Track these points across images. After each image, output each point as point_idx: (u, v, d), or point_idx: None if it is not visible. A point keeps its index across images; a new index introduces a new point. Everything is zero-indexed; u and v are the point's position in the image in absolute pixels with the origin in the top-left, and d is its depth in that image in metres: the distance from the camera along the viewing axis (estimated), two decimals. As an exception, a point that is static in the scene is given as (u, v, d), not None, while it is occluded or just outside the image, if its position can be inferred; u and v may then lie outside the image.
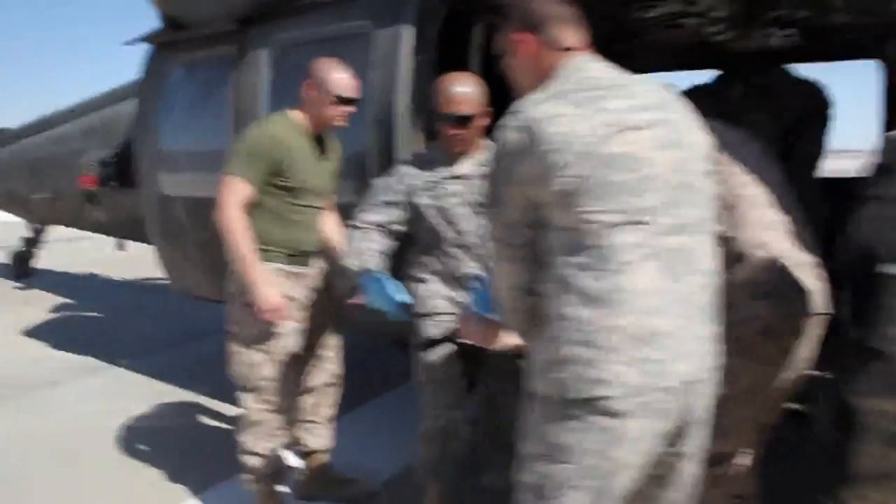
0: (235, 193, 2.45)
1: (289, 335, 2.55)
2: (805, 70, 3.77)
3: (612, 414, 1.32)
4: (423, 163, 2.39)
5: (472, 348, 2.28)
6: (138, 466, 3.16)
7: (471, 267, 2.35)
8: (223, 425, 3.58)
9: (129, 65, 6.01)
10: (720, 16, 3.41)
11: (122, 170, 4.97)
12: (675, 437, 1.41)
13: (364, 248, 2.34)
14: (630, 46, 3.98)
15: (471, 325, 2.18)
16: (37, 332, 5.68)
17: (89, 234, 6.21)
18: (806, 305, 1.77)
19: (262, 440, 2.57)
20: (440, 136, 2.34)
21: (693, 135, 1.46)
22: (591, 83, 1.43)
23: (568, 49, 1.52)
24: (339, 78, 2.48)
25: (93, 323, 6.12)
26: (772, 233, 1.81)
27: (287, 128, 2.53)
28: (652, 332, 1.32)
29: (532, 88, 1.48)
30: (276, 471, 2.65)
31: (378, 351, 4.53)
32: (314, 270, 2.70)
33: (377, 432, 3.43)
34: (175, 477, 3.03)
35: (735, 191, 1.82)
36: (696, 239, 1.41)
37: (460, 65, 3.15)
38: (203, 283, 3.95)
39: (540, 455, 1.43)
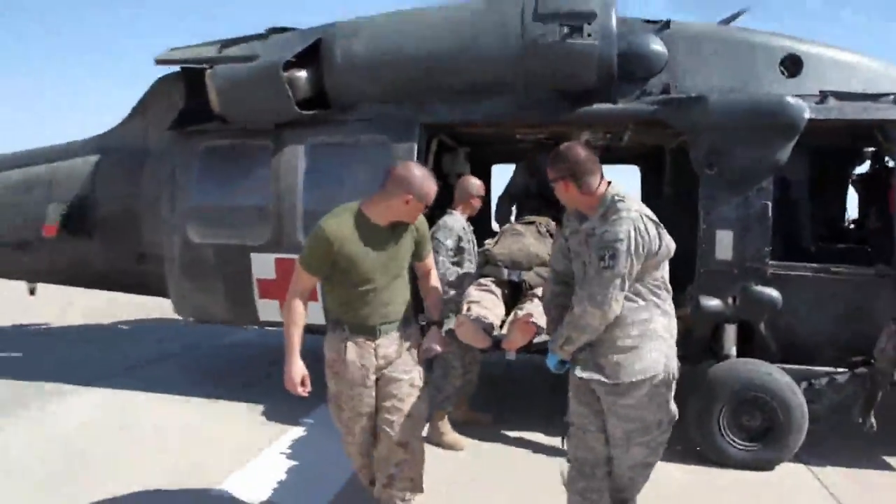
0: (299, 283, 2.89)
1: (360, 396, 2.93)
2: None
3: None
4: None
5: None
6: (149, 455, 4.19)
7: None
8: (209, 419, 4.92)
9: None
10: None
11: (76, 221, 5.85)
12: None
13: None
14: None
15: (464, 328, 3.51)
16: None
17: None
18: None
19: (359, 468, 3.17)
20: (467, 207, 4.37)
21: None
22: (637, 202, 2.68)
23: (596, 191, 2.64)
24: (421, 179, 2.83)
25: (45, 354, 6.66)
26: None
27: (350, 223, 2.83)
28: None
29: (576, 206, 2.74)
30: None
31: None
32: (388, 339, 2.96)
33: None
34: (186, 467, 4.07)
35: None
36: None
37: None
38: (219, 309, 5.21)
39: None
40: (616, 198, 2.62)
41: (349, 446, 3.08)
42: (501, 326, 3.90)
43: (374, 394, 2.96)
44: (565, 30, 4.30)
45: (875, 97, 4.33)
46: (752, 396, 4.10)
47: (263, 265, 4.90)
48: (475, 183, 4.59)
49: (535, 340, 3.50)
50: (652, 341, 2.61)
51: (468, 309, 3.75)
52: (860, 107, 4.29)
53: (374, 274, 2.86)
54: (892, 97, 4.28)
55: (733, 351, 4.34)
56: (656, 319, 2.63)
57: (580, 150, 2.70)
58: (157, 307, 8.20)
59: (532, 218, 4.78)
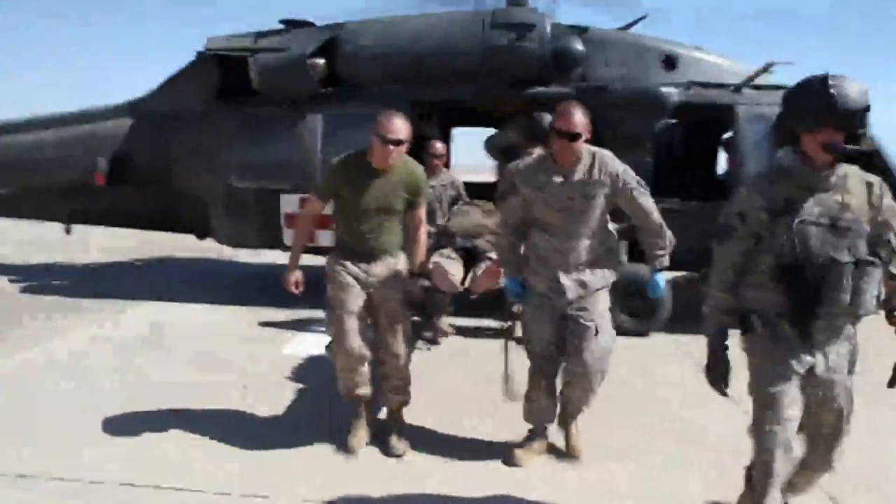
0: (308, 206, 3.61)
1: (352, 296, 3.42)
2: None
3: None
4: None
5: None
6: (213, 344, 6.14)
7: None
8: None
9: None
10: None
11: (118, 171, 7.33)
12: None
13: None
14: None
15: (439, 274, 4.46)
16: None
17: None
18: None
19: (342, 374, 3.54)
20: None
21: None
22: None
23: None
24: (384, 122, 3.25)
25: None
26: None
27: (353, 161, 3.41)
28: None
29: (569, 157, 3.22)
30: (356, 399, 3.61)
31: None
32: (380, 264, 3.50)
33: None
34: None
35: None
36: None
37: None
38: (255, 237, 6.89)
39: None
40: (594, 150, 3.31)
41: (339, 342, 3.43)
42: (463, 282, 4.83)
43: (361, 302, 3.47)
44: (514, 36, 6.15)
45: (723, 86, 6.35)
46: (635, 288, 6.14)
47: (290, 203, 6.61)
48: (432, 145, 5.97)
49: (494, 286, 4.46)
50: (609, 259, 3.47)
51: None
52: (712, 93, 6.32)
53: (369, 206, 3.40)
54: (732, 87, 6.31)
55: (625, 258, 6.35)
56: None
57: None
58: (158, 245, 9.76)
59: (474, 202, 5.76)
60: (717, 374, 2.49)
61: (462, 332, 6.12)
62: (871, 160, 6.36)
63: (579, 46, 6.41)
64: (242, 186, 6.73)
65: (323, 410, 4.10)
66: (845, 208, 2.29)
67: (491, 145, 6.70)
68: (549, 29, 6.27)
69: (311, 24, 7.01)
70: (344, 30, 6.49)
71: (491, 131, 8.80)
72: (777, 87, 6.39)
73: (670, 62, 6.46)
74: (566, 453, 3.63)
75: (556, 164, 3.29)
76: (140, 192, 7.43)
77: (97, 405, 4.12)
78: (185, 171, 7.16)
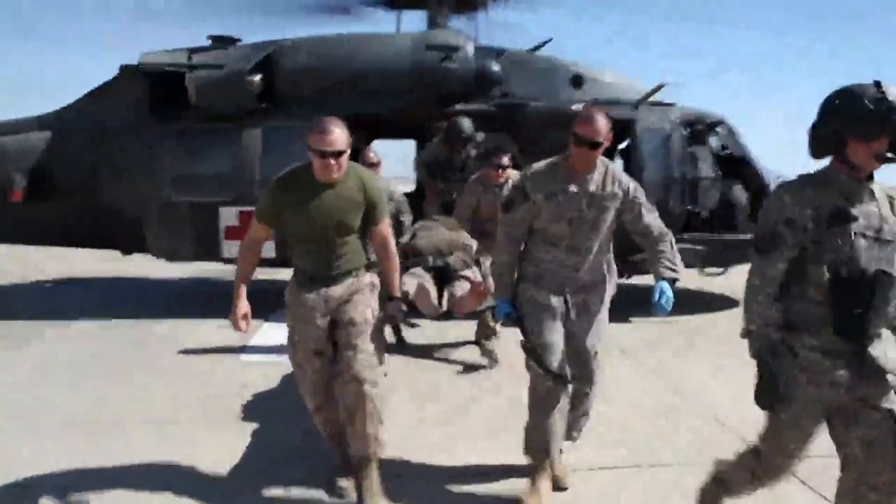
0: (251, 230, 3.17)
1: (309, 333, 3.08)
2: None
3: None
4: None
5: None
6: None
7: None
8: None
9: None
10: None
11: (38, 187, 7.17)
12: None
13: None
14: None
15: (422, 298, 3.98)
16: None
17: None
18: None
19: (316, 417, 3.27)
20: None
21: None
22: None
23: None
24: (315, 135, 2.89)
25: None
26: None
27: (295, 178, 3.06)
28: None
29: (586, 165, 3.02)
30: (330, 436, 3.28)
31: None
32: (340, 286, 3.11)
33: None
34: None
35: None
36: None
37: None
38: (190, 250, 7.02)
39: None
40: (606, 161, 3.17)
41: (302, 384, 3.21)
42: (438, 303, 4.46)
43: (323, 335, 3.11)
44: (441, 56, 6.73)
45: (622, 103, 7.24)
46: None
47: (229, 215, 6.83)
48: (365, 153, 5.54)
49: (480, 307, 4.31)
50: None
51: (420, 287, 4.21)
52: (613, 109, 7.16)
53: (319, 225, 3.04)
54: (630, 105, 7.22)
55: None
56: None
57: None
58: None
59: (436, 217, 5.44)
60: (774, 397, 2.26)
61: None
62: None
63: (496, 67, 7.09)
64: (179, 200, 6.86)
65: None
66: (884, 220, 2.25)
67: (419, 161, 7.26)
68: (471, 52, 6.91)
69: (237, 41, 7.25)
70: (280, 47, 6.82)
71: (408, 142, 9.45)
72: (668, 105, 7.41)
73: (577, 81, 7.29)
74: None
75: (570, 171, 3.08)
76: (61, 207, 7.27)
77: (51, 416, 4.26)
78: (115, 185, 7.12)
